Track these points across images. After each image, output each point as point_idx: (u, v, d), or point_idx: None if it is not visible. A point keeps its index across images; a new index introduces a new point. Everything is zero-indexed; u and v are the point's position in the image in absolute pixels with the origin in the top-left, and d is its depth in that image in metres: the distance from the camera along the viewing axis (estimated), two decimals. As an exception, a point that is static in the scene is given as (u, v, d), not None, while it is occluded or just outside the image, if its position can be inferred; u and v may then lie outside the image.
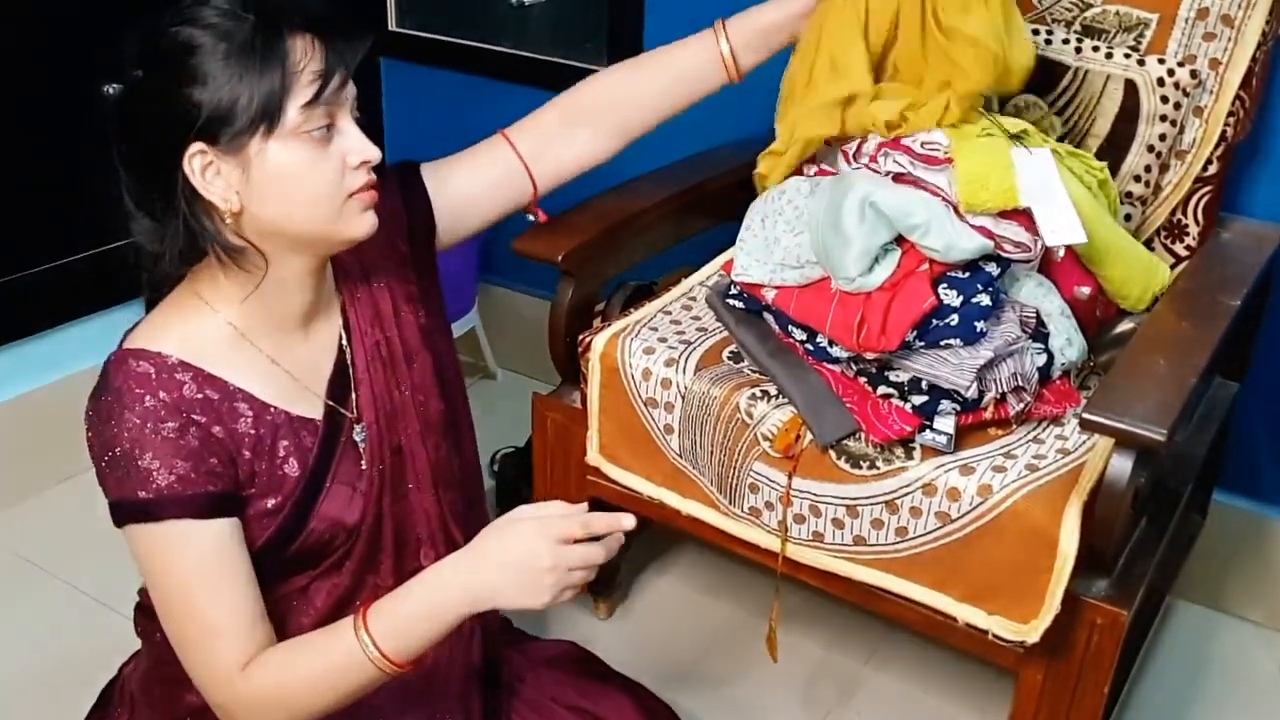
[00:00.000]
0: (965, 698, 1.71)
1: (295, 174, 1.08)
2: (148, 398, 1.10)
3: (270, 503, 1.16)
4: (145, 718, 1.42)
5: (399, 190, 1.32)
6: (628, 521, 1.11)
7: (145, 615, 1.35)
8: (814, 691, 1.72)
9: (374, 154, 1.12)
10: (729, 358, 1.52)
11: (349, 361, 1.24)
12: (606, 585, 1.84)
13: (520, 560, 1.08)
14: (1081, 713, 1.33)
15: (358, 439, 1.23)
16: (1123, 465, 1.23)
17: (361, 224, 1.14)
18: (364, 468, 1.22)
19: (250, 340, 1.16)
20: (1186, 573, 1.77)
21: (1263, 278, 1.57)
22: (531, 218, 1.44)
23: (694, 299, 1.66)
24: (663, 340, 1.54)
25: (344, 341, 1.24)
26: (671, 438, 1.51)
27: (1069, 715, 1.34)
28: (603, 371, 1.54)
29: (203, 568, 1.11)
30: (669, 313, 1.62)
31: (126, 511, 1.10)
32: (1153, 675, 1.74)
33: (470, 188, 1.37)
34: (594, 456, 1.59)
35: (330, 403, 1.22)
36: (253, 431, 1.15)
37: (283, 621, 1.21)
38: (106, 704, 1.53)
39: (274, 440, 1.17)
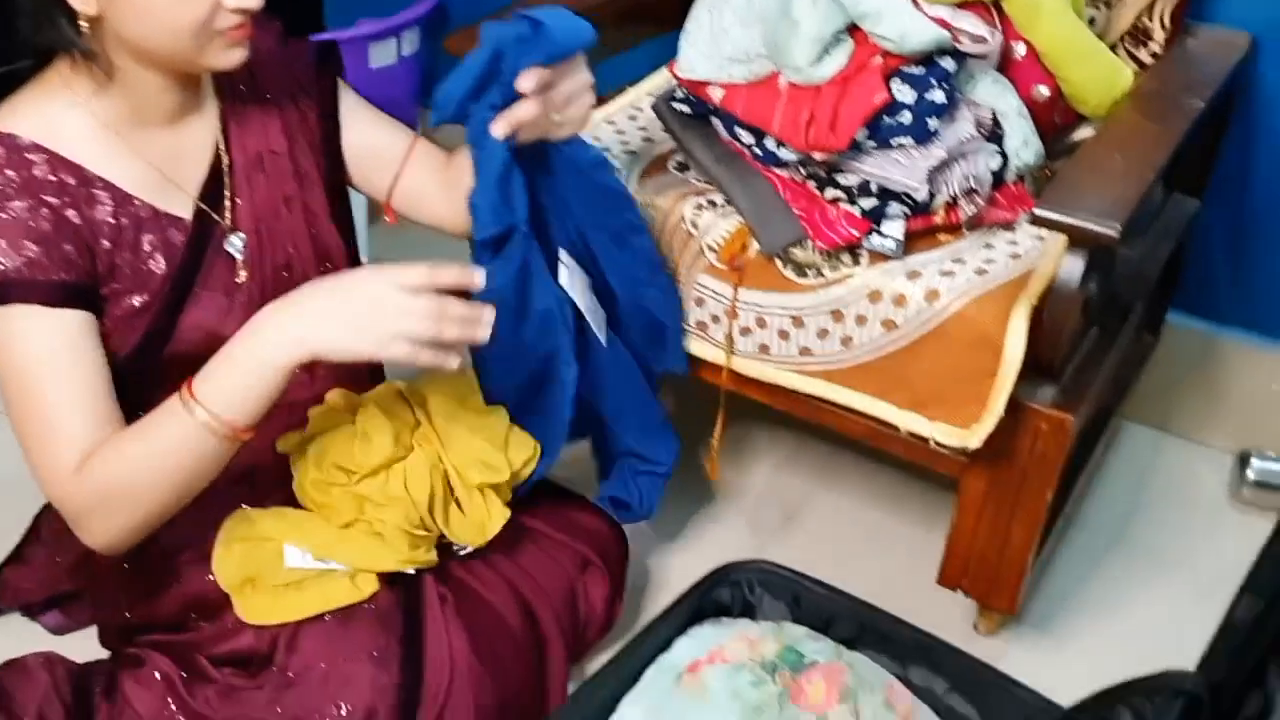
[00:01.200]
0: (912, 513, 1.71)
1: (160, 2, 1.02)
2: None
3: (136, 300, 1.11)
4: (58, 550, 1.39)
5: (315, 61, 1.28)
6: (478, 279, 1.06)
7: None
8: (761, 513, 1.72)
9: (251, 2, 1.06)
10: (675, 168, 1.46)
11: (224, 168, 1.19)
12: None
13: (349, 296, 1.03)
14: (1023, 521, 1.33)
15: (231, 249, 1.18)
16: (1074, 266, 1.19)
17: (227, 59, 1.09)
18: (241, 280, 1.17)
19: (114, 131, 1.11)
20: (1137, 393, 1.76)
21: (1228, 85, 1.51)
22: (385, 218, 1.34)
23: (640, 109, 1.59)
24: (606, 150, 1.47)
25: (221, 147, 1.19)
26: (614, 250, 1.45)
27: (1010, 524, 1.33)
28: (542, 182, 1.47)
29: (48, 360, 1.06)
30: (613, 123, 1.55)
31: None
32: (1098, 493, 1.75)
33: (360, 139, 1.29)
34: (535, 273, 1.54)
35: (202, 205, 1.17)
36: (113, 221, 1.10)
37: None
38: (33, 536, 1.51)
39: (137, 233, 1.12)
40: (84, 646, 1.39)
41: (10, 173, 1.05)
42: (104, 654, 1.36)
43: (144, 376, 1.15)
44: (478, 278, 1.06)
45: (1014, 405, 1.24)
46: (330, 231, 1.27)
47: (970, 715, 1.31)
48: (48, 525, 1.49)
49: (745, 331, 1.37)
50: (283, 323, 1.04)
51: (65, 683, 1.30)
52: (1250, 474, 1.71)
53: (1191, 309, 1.79)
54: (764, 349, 1.37)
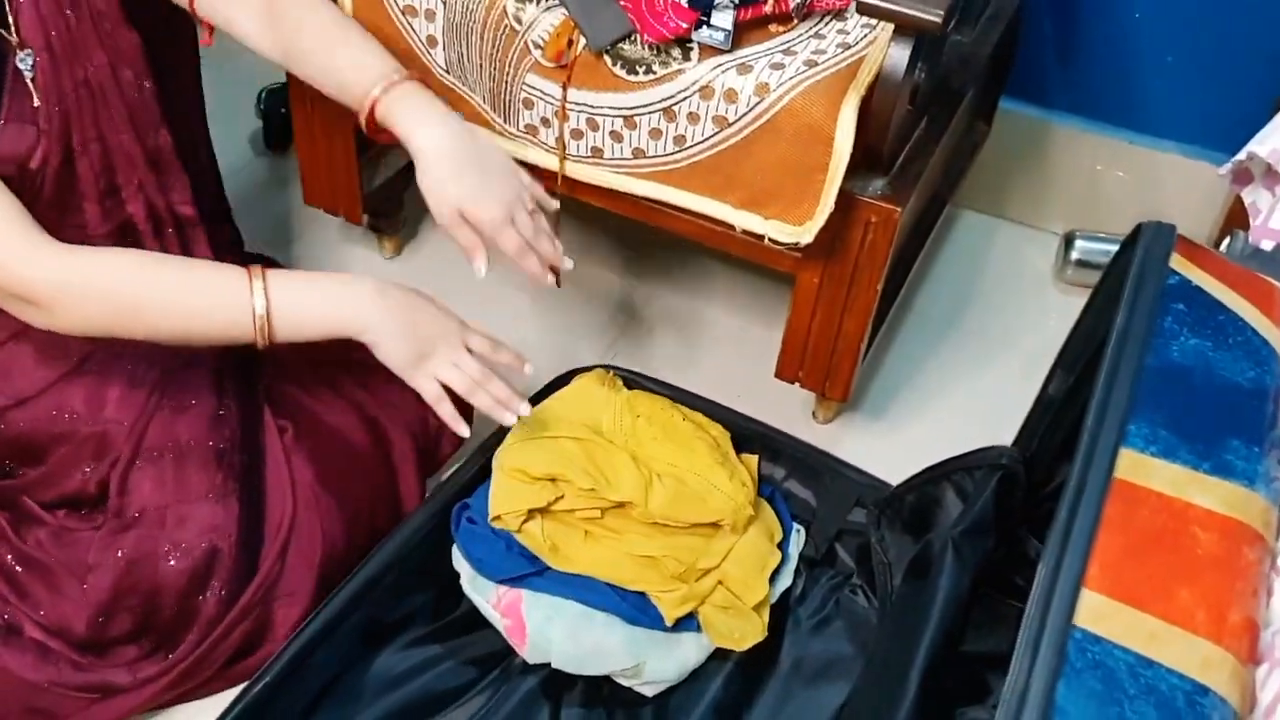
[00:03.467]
0: (751, 311, 1.73)
1: None
2: None
3: None
4: None
5: None
6: (527, 369, 1.20)
7: None
8: (607, 315, 1.72)
9: None
10: (496, -41, 1.38)
11: None
12: (391, 221, 1.76)
13: (428, 325, 1.11)
14: (855, 311, 1.35)
15: (22, 67, 1.08)
16: (900, 55, 1.18)
17: None
18: (38, 105, 1.08)
19: None
20: (970, 181, 1.79)
21: None
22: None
23: (456, -105, 1.48)
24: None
25: None
26: (436, 51, 1.38)
27: (843, 314, 1.36)
28: (354, -22, 1.38)
29: None
30: (428, -89, 1.45)
31: None
32: (931, 279, 1.80)
33: None
34: (355, 78, 1.46)
35: None
36: None
37: None
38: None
39: None
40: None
41: None
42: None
43: None
44: (527, 368, 1.21)
45: (844, 199, 1.25)
46: (126, 37, 1.16)
47: (807, 498, 1.37)
48: None
49: (577, 135, 1.33)
50: (366, 307, 1.09)
51: None
52: (1074, 254, 1.78)
53: (1022, 95, 1.81)
54: (597, 152, 1.34)
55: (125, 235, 1.20)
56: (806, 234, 1.26)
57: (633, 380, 1.39)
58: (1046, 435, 1.17)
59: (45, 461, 1.22)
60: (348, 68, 1.19)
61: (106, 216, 1.17)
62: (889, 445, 1.55)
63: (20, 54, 1.09)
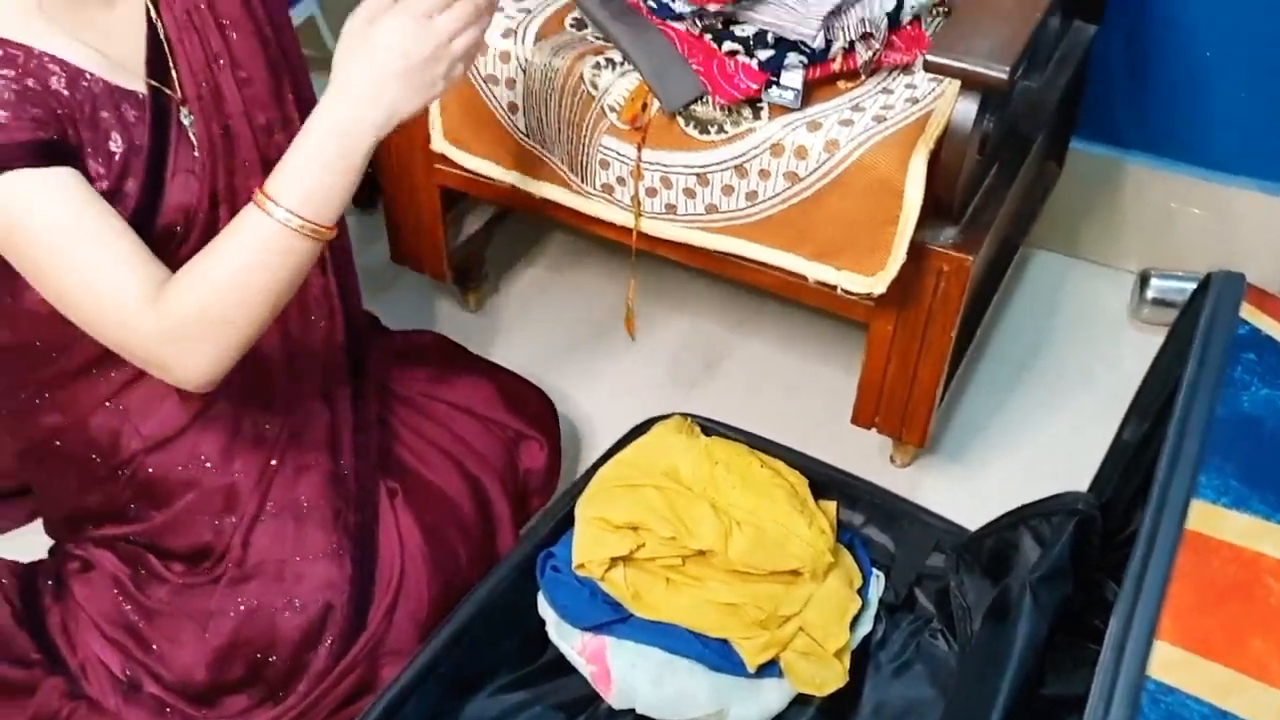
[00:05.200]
0: (826, 356, 1.76)
1: None
2: None
3: (101, 186, 1.08)
4: (10, 424, 1.38)
5: None
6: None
7: None
8: (681, 364, 1.76)
9: None
10: (571, 25, 1.44)
11: (162, 36, 1.13)
12: (474, 276, 1.82)
13: (400, 65, 1.00)
14: (930, 357, 1.37)
15: (186, 122, 1.14)
16: (967, 108, 1.20)
17: None
18: (198, 155, 1.14)
19: (50, 16, 1.04)
20: (1043, 221, 1.80)
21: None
22: None
23: (533, -35, 1.55)
24: (500, 9, 1.44)
25: (152, 13, 1.12)
26: (517, 116, 1.44)
27: (918, 361, 1.38)
28: (438, 49, 1.45)
29: (61, 217, 1.01)
30: (506, -19, 1.52)
31: None
32: (1006, 323, 1.80)
33: None
34: (439, 143, 1.52)
35: (153, 83, 1.12)
36: (67, 93, 1.04)
37: None
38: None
39: (94, 109, 1.06)
40: (22, 548, 1.40)
41: None
42: (43, 554, 1.37)
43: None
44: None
45: (916, 249, 1.27)
46: (261, 77, 1.19)
47: (886, 543, 1.39)
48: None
49: (651, 192, 1.38)
50: (365, 115, 1.01)
51: (13, 587, 1.32)
52: (1149, 292, 1.78)
53: (1094, 135, 1.82)
54: (671, 208, 1.38)
55: None
56: (879, 284, 1.29)
57: (710, 427, 1.42)
58: (1122, 481, 1.17)
59: (171, 507, 1.26)
60: None
61: None
62: (966, 489, 1.56)
63: (183, 109, 1.14)
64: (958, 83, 1.22)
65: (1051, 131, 1.67)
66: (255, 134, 1.19)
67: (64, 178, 1.02)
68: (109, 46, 1.09)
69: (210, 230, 1.16)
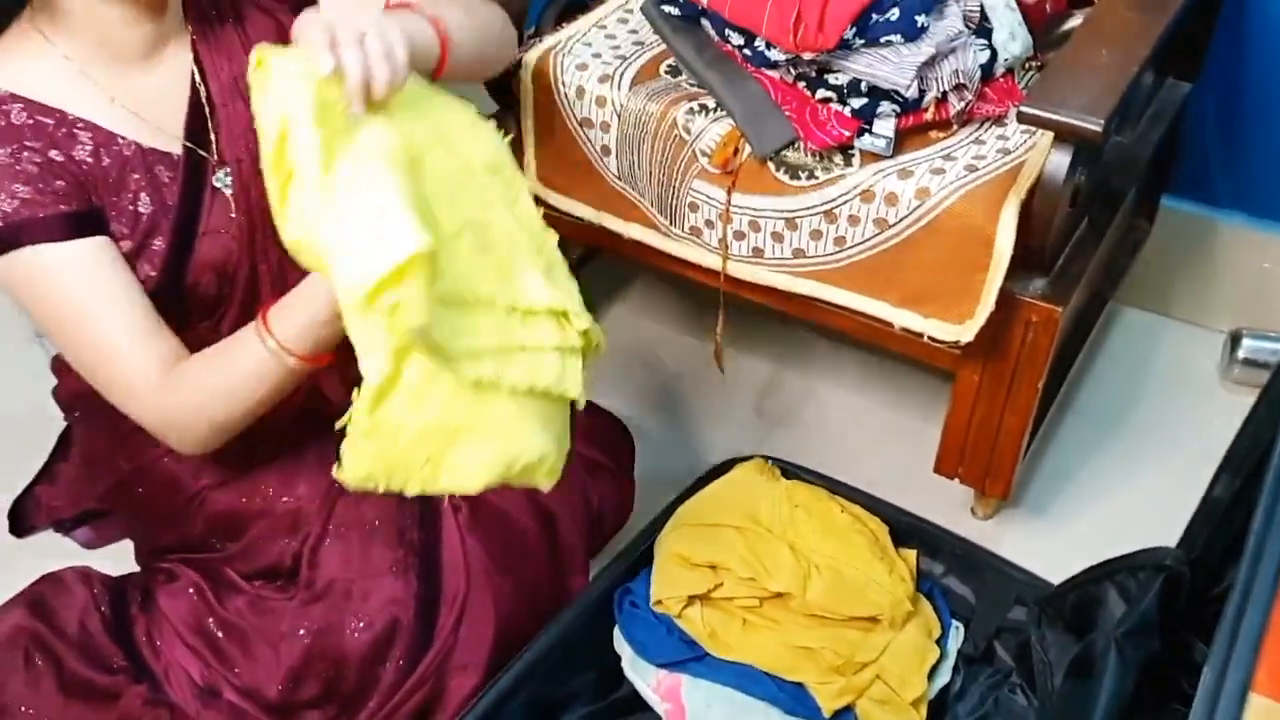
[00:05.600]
0: (910, 405, 1.75)
1: None
2: None
3: (125, 245, 1.12)
4: (88, 476, 1.43)
5: None
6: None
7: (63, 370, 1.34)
8: (764, 405, 1.76)
9: None
10: (666, 71, 1.47)
11: (204, 99, 1.17)
12: (558, 316, 1.85)
13: None
14: (1016, 408, 1.37)
15: (219, 184, 1.18)
16: (1060, 161, 1.21)
17: None
18: (234, 216, 1.18)
19: (88, 76, 1.10)
20: (1132, 278, 1.78)
21: (1218, -31, 1.51)
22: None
23: (630, 11, 1.59)
24: (597, 56, 1.48)
25: (197, 78, 1.17)
26: (609, 159, 1.47)
27: (1004, 412, 1.37)
28: (536, 91, 1.49)
29: (81, 291, 1.08)
30: (604, 27, 1.55)
31: None
32: (1093, 378, 1.78)
33: None
34: (532, 184, 1.56)
35: (189, 144, 1.16)
36: (92, 160, 1.10)
37: None
38: (61, 454, 1.56)
39: (122, 172, 1.11)
40: (115, 561, 1.45)
41: None
42: (134, 568, 1.42)
43: (163, 314, 1.16)
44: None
45: (1005, 298, 1.27)
46: None
47: (966, 595, 1.37)
48: (77, 446, 1.54)
49: (739, 236, 1.40)
50: None
51: (103, 597, 1.36)
52: (1241, 353, 1.75)
53: (1185, 193, 1.80)
54: (758, 252, 1.40)
55: None
56: (967, 333, 1.29)
57: (791, 470, 1.42)
58: (1212, 538, 1.15)
59: (245, 536, 1.31)
60: None
61: None
62: (1049, 543, 1.54)
63: (219, 171, 1.18)
64: (1051, 135, 1.22)
65: (1143, 187, 1.66)
66: None
67: (88, 250, 1.08)
68: (148, 109, 1.13)
69: (252, 291, 1.22)
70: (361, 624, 1.24)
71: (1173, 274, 1.86)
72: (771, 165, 1.34)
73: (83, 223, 1.08)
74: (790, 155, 1.33)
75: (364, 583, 1.26)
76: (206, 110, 1.17)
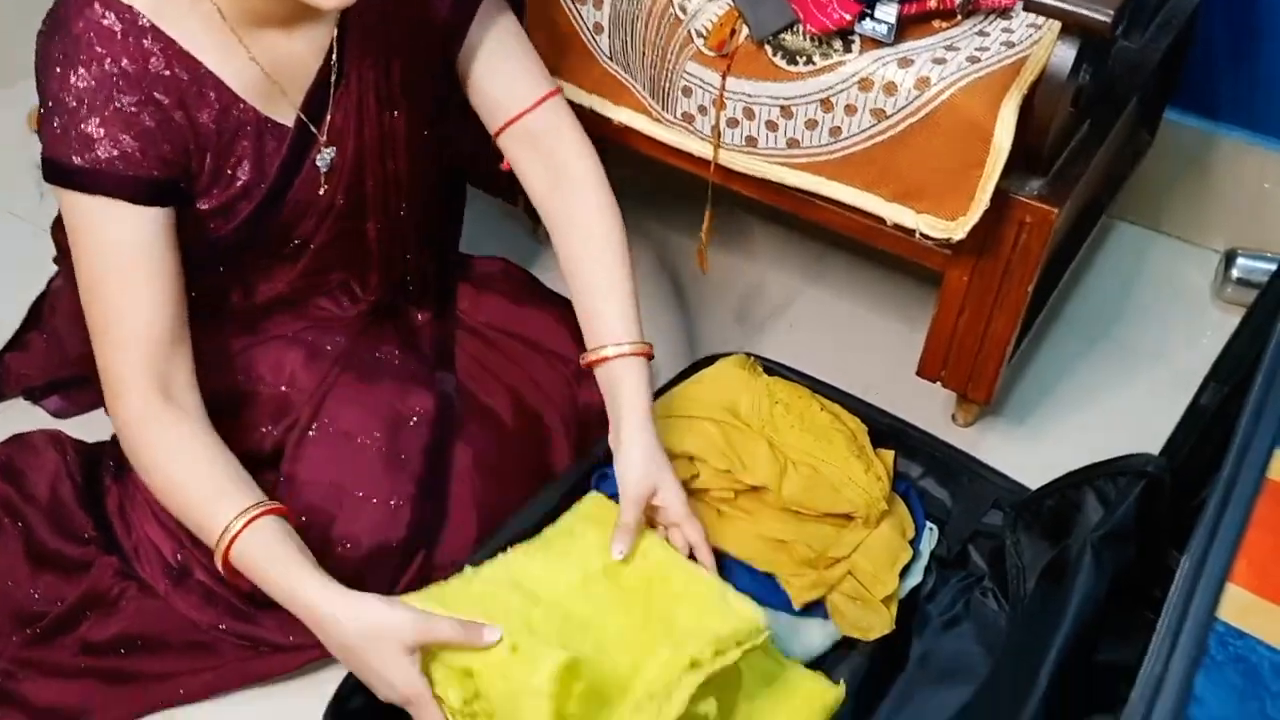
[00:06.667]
0: (896, 310, 1.73)
1: None
2: (108, 61, 1.00)
3: (205, 205, 1.10)
4: (62, 341, 1.40)
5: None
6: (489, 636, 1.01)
7: (59, 229, 1.31)
8: (748, 309, 1.74)
9: None
10: (664, -50, 1.41)
11: (333, 80, 1.14)
12: (543, 206, 1.81)
13: (364, 672, 1.02)
14: (1004, 311, 1.35)
15: (320, 162, 1.16)
16: (1066, 54, 1.17)
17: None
18: (321, 193, 1.17)
19: (231, 27, 1.05)
20: (1129, 192, 1.75)
21: None
22: None
23: (629, -112, 1.52)
24: (591, -68, 1.42)
25: (334, 59, 1.13)
26: (601, 37, 1.42)
27: (992, 314, 1.35)
28: (527, -36, 1.43)
29: (128, 259, 1.05)
30: (601, -98, 1.49)
31: (57, 172, 1.03)
32: (1083, 291, 1.76)
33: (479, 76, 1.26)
34: (522, 62, 1.51)
35: (303, 116, 1.13)
36: (213, 125, 1.07)
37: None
38: (33, 322, 1.53)
39: (234, 138, 1.09)
40: (86, 430, 1.43)
41: (126, 63, 1.00)
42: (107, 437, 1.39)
43: (221, 263, 1.17)
44: (489, 635, 1.01)
45: (1000, 197, 1.24)
46: (402, 157, 1.24)
47: (943, 498, 1.37)
48: (49, 313, 1.51)
49: (732, 123, 1.36)
50: (322, 629, 1.03)
51: (75, 463, 1.34)
52: (1235, 272, 1.73)
53: (1189, 106, 1.76)
54: (751, 141, 1.36)
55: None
56: (959, 230, 1.26)
57: (773, 368, 1.41)
58: (1196, 447, 1.14)
59: (227, 418, 1.25)
60: (596, 319, 1.23)
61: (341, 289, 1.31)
62: (1028, 453, 1.53)
63: (324, 150, 1.16)
64: (1056, 29, 1.18)
65: (1146, 96, 1.62)
66: (385, 186, 1.23)
67: (153, 219, 1.05)
68: (276, 69, 1.10)
69: (320, 257, 1.24)
70: (348, 545, 1.22)
71: (1170, 189, 1.83)
72: (768, 49, 1.30)
73: (164, 190, 1.06)
74: (788, 39, 1.29)
75: (354, 500, 1.22)
76: (331, 91, 1.14)
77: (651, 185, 1.91)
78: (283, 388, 1.28)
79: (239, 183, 1.12)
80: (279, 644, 1.24)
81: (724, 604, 1.12)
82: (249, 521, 1.03)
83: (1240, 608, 0.68)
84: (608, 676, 1.04)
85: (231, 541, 1.03)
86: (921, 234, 1.29)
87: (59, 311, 1.43)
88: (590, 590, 1.12)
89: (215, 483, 1.07)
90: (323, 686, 1.15)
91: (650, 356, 1.22)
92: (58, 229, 1.31)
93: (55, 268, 1.48)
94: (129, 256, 1.05)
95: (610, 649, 1.07)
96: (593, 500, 1.23)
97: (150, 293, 1.06)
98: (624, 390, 1.19)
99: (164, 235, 1.07)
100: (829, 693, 1.18)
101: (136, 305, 1.06)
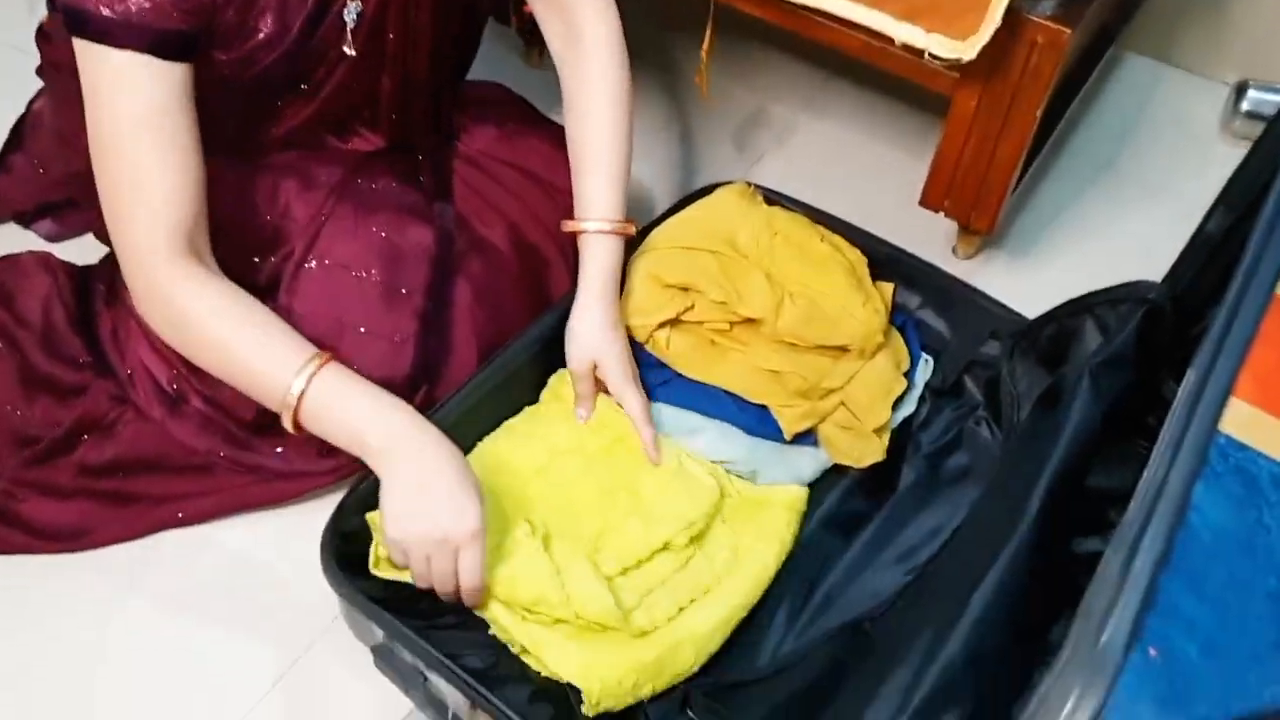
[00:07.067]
0: (899, 140, 1.70)
1: None
2: None
3: (224, 55, 1.05)
4: (46, 163, 1.37)
5: None
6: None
7: (47, 41, 1.26)
8: (749, 136, 1.70)
9: None
10: None
11: None
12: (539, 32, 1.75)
13: (434, 507, 1.00)
14: (1011, 137, 1.32)
15: (348, 17, 1.12)
16: None
17: None
18: (344, 49, 1.14)
19: None
20: (1140, 23, 1.70)
21: None
22: None
23: None
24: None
25: None
26: None
27: (998, 140, 1.32)
28: None
29: (151, 119, 1.00)
30: None
31: (82, 23, 0.97)
32: (1089, 123, 1.73)
33: None
34: None
35: None
36: None
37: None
38: (16, 145, 1.49)
39: None
40: (79, 254, 1.40)
41: None
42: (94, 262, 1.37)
43: (224, 104, 1.13)
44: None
45: (1012, 16, 1.20)
46: (425, 9, 1.20)
47: (941, 329, 1.36)
48: (32, 136, 1.47)
49: (737, -64, 1.30)
50: (397, 441, 1.02)
51: (66, 286, 1.32)
52: (1245, 105, 1.69)
53: (1208, -69, 1.70)
54: (756, -44, 1.31)
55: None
56: (969, 50, 1.22)
57: (773, 197, 1.38)
58: (1200, 274, 1.13)
59: (221, 244, 1.25)
60: (580, 193, 1.23)
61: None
62: (1030, 285, 1.52)
63: (350, 5, 1.12)
64: None
65: (1167, -83, 1.55)
66: (405, 40, 1.19)
67: (178, 75, 1.01)
68: None
69: (329, 102, 1.20)
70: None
71: (1181, 20, 1.78)
72: None
73: (190, 44, 1.01)
74: None
75: (356, 336, 1.21)
76: None
77: (653, 8, 1.86)
78: (277, 218, 1.25)
79: (261, 34, 1.08)
80: (279, 470, 1.24)
81: (684, 475, 1.19)
82: (317, 369, 1.02)
83: (1243, 421, 0.67)
84: (579, 537, 1.13)
85: (301, 396, 1.02)
86: (931, 54, 1.25)
87: (42, 131, 1.39)
88: (557, 462, 1.19)
89: (268, 346, 1.05)
90: (322, 514, 1.16)
91: (629, 236, 1.22)
92: (42, 38, 1.26)
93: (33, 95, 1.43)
94: (157, 117, 1.01)
95: (580, 515, 1.15)
96: (558, 377, 1.26)
97: (179, 154, 1.03)
98: (588, 266, 1.20)
99: (189, 93, 1.03)
100: (793, 492, 1.24)
101: (165, 167, 1.02)
